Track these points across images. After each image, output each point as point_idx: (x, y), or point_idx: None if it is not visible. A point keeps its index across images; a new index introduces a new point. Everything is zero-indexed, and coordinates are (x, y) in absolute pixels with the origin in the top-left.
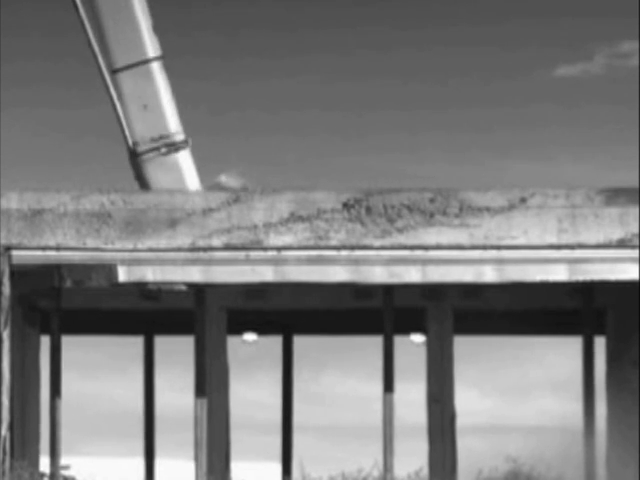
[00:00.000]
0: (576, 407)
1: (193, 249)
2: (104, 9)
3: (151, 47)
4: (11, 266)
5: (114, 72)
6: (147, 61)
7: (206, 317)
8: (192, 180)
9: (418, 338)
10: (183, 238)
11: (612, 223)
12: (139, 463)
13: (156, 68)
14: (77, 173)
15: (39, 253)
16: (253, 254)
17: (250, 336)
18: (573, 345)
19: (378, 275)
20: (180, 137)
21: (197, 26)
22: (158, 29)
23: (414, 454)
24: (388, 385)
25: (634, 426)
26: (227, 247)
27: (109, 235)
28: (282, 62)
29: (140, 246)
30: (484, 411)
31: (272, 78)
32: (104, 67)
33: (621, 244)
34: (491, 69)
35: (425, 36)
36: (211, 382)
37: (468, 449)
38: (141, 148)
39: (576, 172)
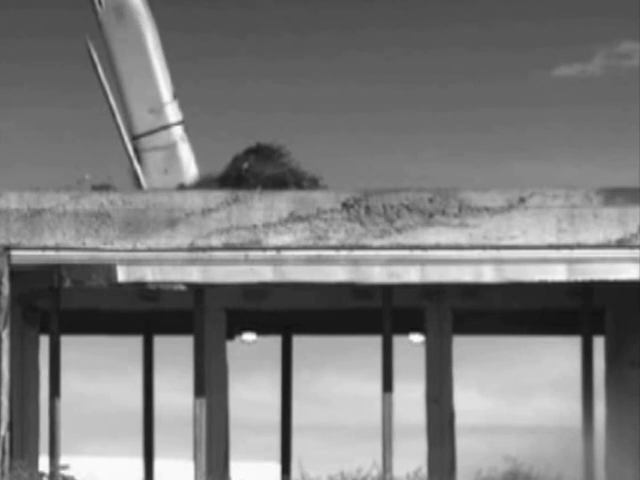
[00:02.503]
0: (575, 407)
1: (192, 249)
2: (126, 76)
3: (172, 113)
4: (10, 266)
5: (135, 138)
6: (168, 127)
7: (205, 317)
8: None
9: (417, 338)
10: (182, 238)
11: (611, 223)
12: (138, 463)
13: (177, 133)
14: (77, 173)
15: (38, 253)
16: (252, 254)
17: (249, 336)
18: (572, 345)
19: (377, 275)
20: None
21: (197, 26)
22: (159, 27)
23: (413, 454)
24: (387, 385)
25: (633, 426)
26: (226, 247)
27: (108, 235)
28: (282, 63)
29: (139, 246)
30: (483, 411)
31: (272, 79)
32: (125, 133)
33: (620, 244)
34: (490, 69)
35: (425, 36)
36: (210, 382)
37: (467, 449)
38: None
39: (575, 172)
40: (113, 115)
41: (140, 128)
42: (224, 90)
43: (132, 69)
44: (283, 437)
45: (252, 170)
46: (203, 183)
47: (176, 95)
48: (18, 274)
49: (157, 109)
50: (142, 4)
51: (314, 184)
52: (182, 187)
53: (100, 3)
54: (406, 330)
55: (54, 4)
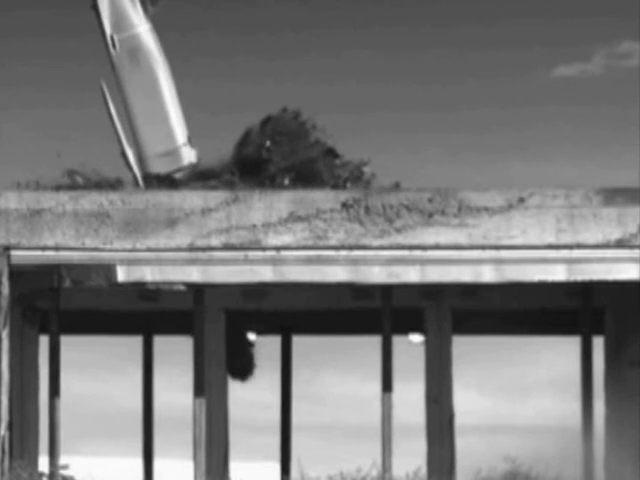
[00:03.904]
0: (574, 407)
1: (192, 249)
2: (140, 120)
3: (186, 155)
4: (10, 266)
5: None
6: (182, 169)
7: (205, 317)
8: None
9: (417, 338)
10: (182, 238)
11: (610, 223)
12: (138, 463)
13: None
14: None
15: (38, 253)
16: (252, 254)
17: (249, 336)
18: (571, 345)
19: (377, 275)
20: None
21: (196, 25)
22: (158, 28)
23: (413, 454)
24: (387, 385)
25: (633, 426)
26: (226, 247)
27: (108, 235)
28: (282, 63)
29: (139, 246)
30: (483, 411)
31: (272, 79)
32: (139, 175)
33: (620, 244)
34: (490, 69)
35: (425, 36)
36: (210, 382)
37: (467, 449)
38: None
39: (575, 172)
40: (125, 157)
41: (154, 171)
42: (224, 90)
43: (146, 112)
44: (283, 437)
45: (275, 150)
46: (211, 173)
47: (190, 138)
48: (18, 274)
49: (171, 152)
50: (156, 47)
51: (356, 171)
52: (186, 182)
53: (114, 46)
54: (406, 330)
55: (54, 4)
